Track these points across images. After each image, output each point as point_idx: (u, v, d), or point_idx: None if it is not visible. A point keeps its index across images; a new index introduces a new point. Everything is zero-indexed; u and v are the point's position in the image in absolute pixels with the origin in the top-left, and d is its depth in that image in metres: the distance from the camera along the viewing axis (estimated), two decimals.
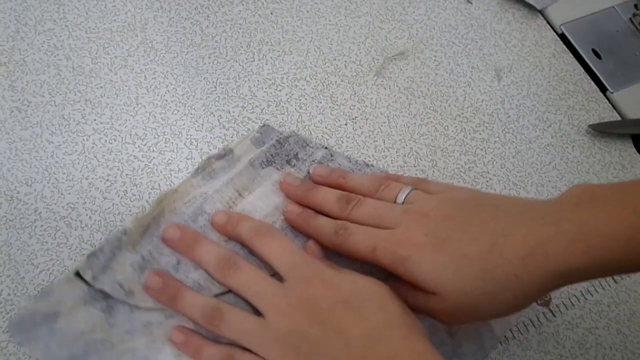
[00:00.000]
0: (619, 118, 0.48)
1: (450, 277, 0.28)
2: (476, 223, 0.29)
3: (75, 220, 0.35)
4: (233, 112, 0.41)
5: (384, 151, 0.42)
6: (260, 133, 0.40)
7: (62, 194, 0.36)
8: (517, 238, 0.27)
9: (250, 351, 0.30)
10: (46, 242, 0.34)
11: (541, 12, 0.53)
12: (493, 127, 0.45)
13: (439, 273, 0.28)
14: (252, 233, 0.33)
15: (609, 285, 0.41)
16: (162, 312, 0.32)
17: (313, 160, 0.39)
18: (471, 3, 0.51)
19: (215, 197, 0.36)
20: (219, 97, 0.41)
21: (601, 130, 0.47)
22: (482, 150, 0.44)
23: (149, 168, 0.38)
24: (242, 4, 0.45)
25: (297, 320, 0.29)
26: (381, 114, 0.44)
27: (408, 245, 0.29)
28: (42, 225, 0.35)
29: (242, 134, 0.40)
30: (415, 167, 0.42)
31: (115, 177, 0.37)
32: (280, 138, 0.39)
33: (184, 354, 0.31)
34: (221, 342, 0.31)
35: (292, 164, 0.38)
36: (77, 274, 0.32)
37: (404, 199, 0.33)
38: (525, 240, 0.26)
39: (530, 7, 0.52)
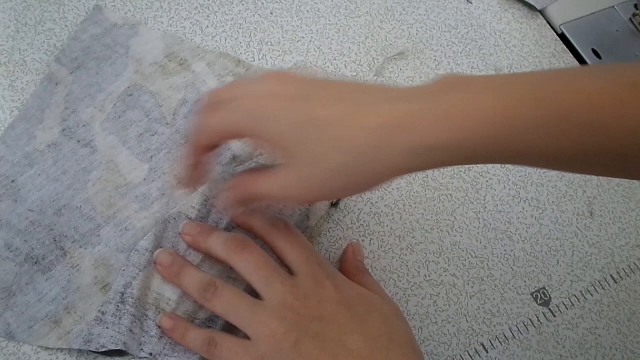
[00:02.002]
0: None
1: (301, 136, 0.25)
2: (335, 91, 0.26)
3: None
4: None
5: None
6: None
7: None
8: (380, 108, 0.24)
9: (231, 335, 0.30)
10: None
11: (541, 12, 0.53)
12: None
13: (292, 129, 0.25)
14: (269, 227, 0.33)
15: (609, 285, 0.41)
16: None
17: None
18: (471, 3, 0.51)
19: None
20: None
21: None
22: None
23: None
24: (242, 4, 0.45)
25: (299, 309, 0.29)
26: None
27: (266, 96, 0.26)
28: None
29: None
30: None
31: None
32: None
33: (170, 338, 0.31)
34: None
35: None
36: None
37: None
38: (390, 111, 0.24)
39: (530, 7, 0.52)
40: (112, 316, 0.30)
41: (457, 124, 0.23)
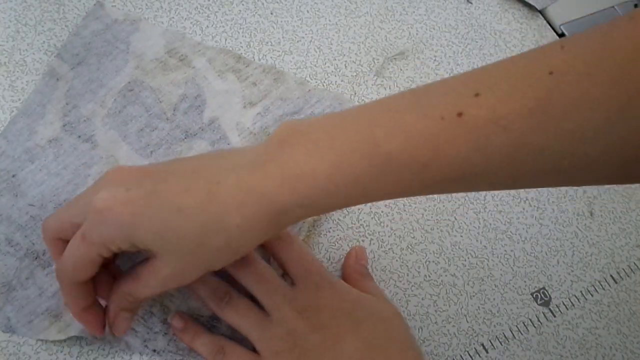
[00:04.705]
0: None
1: (171, 235, 0.25)
2: (184, 173, 0.26)
3: None
4: None
5: None
6: None
7: None
8: (229, 185, 0.25)
9: (240, 345, 0.31)
10: None
11: (541, 12, 0.53)
12: None
13: (159, 230, 0.25)
14: (273, 238, 0.34)
15: (609, 285, 0.41)
16: None
17: None
18: (471, 3, 0.51)
19: None
20: None
21: None
22: None
23: None
24: (242, 4, 0.45)
25: (298, 323, 0.30)
26: None
27: (114, 205, 0.25)
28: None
29: None
30: None
31: None
32: None
33: (180, 341, 0.31)
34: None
35: None
36: None
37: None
38: (239, 186, 0.25)
39: (530, 7, 0.52)
40: None
41: (301, 184, 0.24)
